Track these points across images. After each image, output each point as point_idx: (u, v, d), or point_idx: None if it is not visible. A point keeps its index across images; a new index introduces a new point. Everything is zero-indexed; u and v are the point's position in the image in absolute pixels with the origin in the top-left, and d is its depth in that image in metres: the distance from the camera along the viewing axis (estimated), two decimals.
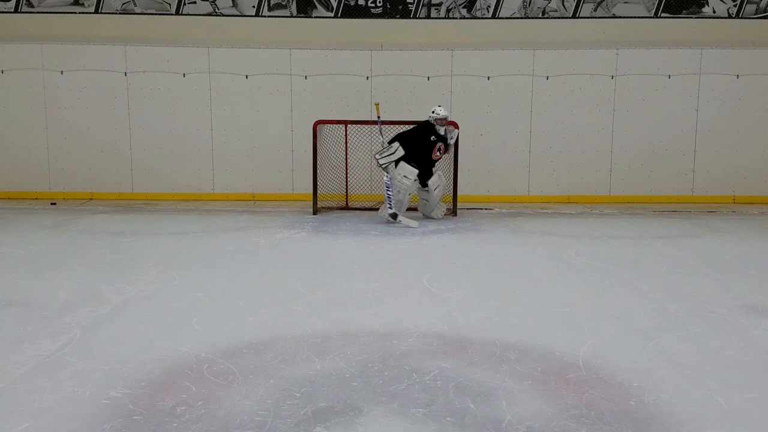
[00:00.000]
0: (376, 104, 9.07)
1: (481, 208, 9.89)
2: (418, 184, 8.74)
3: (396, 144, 8.51)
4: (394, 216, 8.42)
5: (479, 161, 10.32)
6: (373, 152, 8.76)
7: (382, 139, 8.74)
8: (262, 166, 10.40)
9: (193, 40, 10.24)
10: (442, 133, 8.67)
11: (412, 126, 8.96)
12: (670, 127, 10.35)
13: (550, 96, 10.30)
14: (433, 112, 8.65)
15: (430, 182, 8.76)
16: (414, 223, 8.38)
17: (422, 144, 8.61)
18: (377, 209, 9.39)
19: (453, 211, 9.32)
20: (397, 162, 8.57)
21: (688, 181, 10.49)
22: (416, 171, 8.58)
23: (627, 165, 10.42)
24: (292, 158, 10.32)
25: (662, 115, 10.33)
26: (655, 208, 10.05)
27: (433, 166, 8.81)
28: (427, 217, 8.97)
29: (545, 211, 9.81)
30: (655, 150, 10.38)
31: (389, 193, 8.48)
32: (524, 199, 10.46)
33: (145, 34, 10.28)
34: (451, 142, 8.81)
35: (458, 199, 9.43)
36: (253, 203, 10.27)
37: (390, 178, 8.49)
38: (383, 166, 8.48)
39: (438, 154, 8.75)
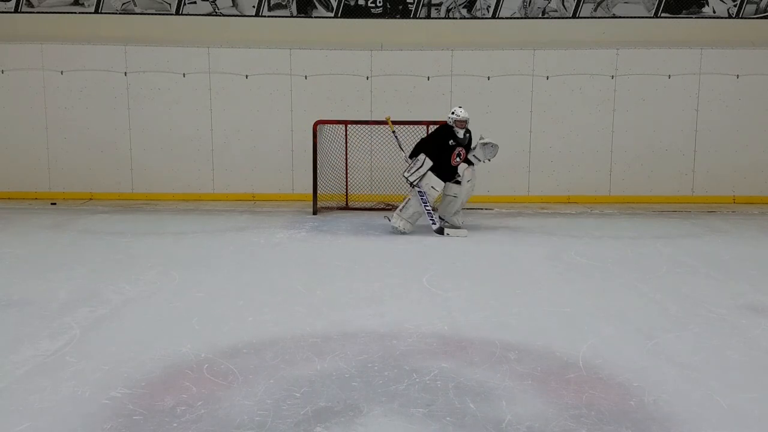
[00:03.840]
0: (387, 117, 8.37)
1: (481, 208, 9.88)
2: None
3: (422, 156, 7.78)
4: (441, 231, 7.81)
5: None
6: (402, 171, 8.00)
7: (404, 154, 8.03)
8: (262, 166, 10.39)
9: (193, 40, 10.23)
10: (461, 136, 7.94)
11: (431, 128, 8.66)
12: (670, 127, 10.33)
13: (550, 96, 10.29)
14: (452, 113, 7.91)
15: (462, 174, 7.94)
16: (463, 233, 7.84)
17: (442, 149, 7.89)
18: (378, 209, 9.39)
19: None
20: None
21: (688, 181, 10.48)
22: (443, 183, 7.92)
23: (627, 165, 10.41)
24: (292, 158, 10.32)
25: (662, 115, 10.31)
26: (655, 208, 10.04)
27: (454, 171, 8.06)
28: (445, 221, 8.12)
29: (545, 211, 9.80)
30: (655, 150, 10.37)
31: (428, 208, 7.85)
32: (524, 199, 10.45)
33: (145, 34, 10.28)
34: (477, 158, 8.06)
35: None
36: (253, 203, 10.27)
37: (423, 192, 7.83)
38: (415, 182, 7.81)
39: (458, 160, 7.98)
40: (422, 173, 7.78)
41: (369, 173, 9.98)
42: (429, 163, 7.77)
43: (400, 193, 9.66)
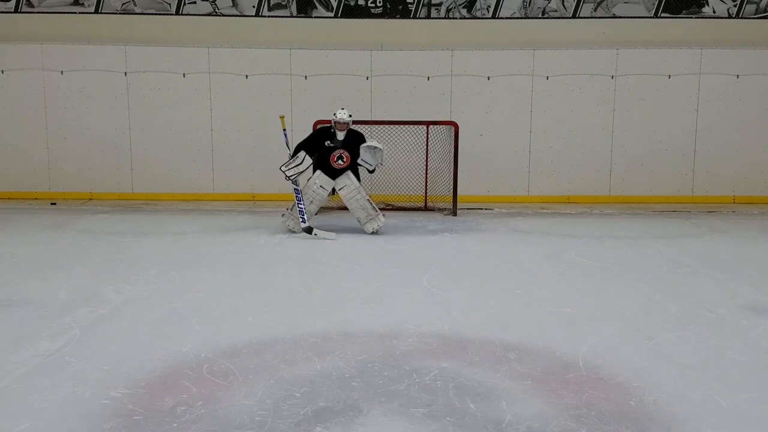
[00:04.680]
0: (281, 117, 8.06)
1: (481, 208, 9.88)
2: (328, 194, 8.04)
3: (302, 153, 7.68)
4: (309, 230, 7.62)
5: (479, 161, 10.31)
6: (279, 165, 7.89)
7: (288, 150, 7.89)
8: (262, 166, 10.37)
9: (193, 40, 10.24)
10: (340, 138, 7.77)
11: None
12: (670, 127, 10.33)
13: (550, 96, 10.29)
14: (334, 114, 7.85)
15: (336, 186, 7.91)
16: (332, 235, 7.63)
17: (319, 150, 7.82)
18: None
19: (453, 211, 9.31)
20: (314, 170, 7.92)
21: (688, 181, 10.48)
22: (333, 182, 7.85)
23: (627, 165, 10.41)
24: None
25: (662, 115, 10.31)
26: (655, 208, 10.05)
27: (340, 175, 7.88)
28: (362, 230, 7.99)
29: (545, 211, 9.81)
30: (655, 150, 10.37)
31: (301, 206, 7.69)
32: (524, 199, 10.45)
33: (145, 34, 10.28)
34: (367, 163, 7.78)
35: (458, 199, 9.41)
36: (253, 203, 10.27)
37: (299, 190, 7.71)
38: (291, 178, 7.62)
39: (340, 162, 7.79)
40: (300, 170, 7.61)
41: (368, 173, 9.94)
42: (309, 161, 7.68)
43: (402, 193, 9.71)
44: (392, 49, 10.23)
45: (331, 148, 7.80)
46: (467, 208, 9.73)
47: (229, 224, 8.51)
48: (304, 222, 7.66)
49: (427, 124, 9.53)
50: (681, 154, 10.41)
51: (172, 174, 10.41)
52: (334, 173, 7.87)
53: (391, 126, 9.49)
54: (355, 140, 7.86)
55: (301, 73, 10.26)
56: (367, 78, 10.24)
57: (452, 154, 9.31)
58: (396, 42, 10.28)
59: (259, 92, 10.29)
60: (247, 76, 10.27)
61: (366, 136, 8.17)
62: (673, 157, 10.40)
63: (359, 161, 7.78)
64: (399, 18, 10.38)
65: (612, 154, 10.42)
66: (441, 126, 9.60)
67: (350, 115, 7.88)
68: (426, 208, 9.70)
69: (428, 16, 10.39)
